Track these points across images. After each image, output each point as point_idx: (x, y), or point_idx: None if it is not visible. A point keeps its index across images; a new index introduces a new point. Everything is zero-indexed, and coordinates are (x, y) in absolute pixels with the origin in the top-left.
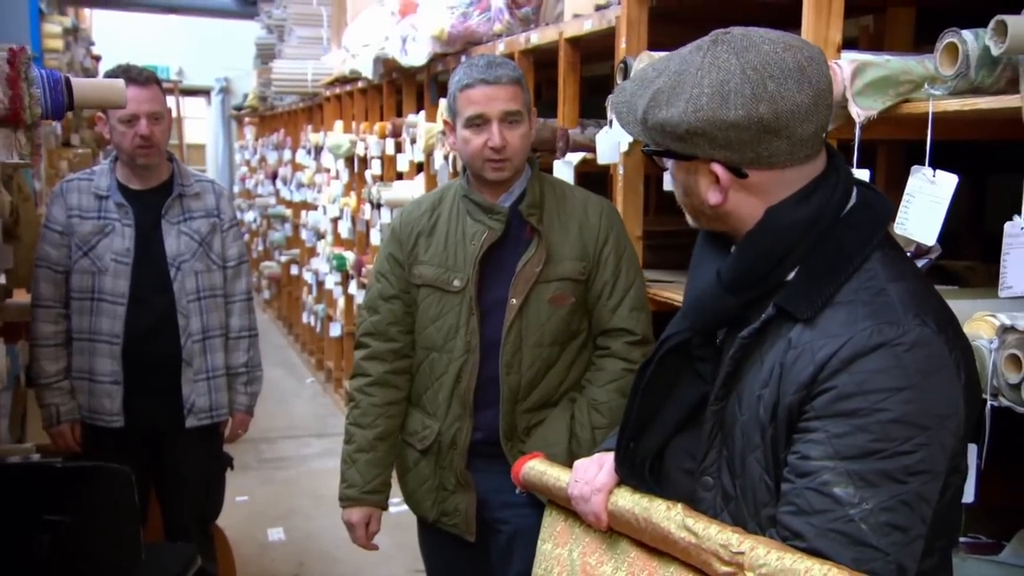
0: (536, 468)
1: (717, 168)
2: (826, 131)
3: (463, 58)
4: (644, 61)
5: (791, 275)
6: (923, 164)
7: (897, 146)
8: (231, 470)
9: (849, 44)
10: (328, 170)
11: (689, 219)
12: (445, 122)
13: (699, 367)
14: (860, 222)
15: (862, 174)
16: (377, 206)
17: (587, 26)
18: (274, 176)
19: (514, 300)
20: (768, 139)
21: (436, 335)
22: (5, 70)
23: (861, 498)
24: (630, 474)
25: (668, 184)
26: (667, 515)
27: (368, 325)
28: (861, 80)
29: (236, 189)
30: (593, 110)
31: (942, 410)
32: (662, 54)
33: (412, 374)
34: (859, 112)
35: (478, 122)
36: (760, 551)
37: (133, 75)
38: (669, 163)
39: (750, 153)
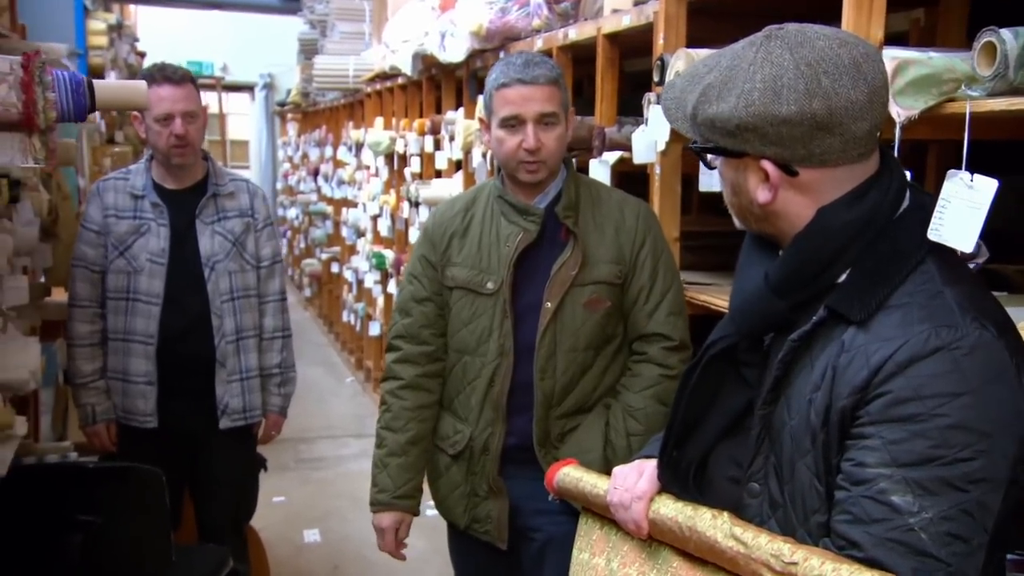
0: (571, 475)
1: (767, 165)
2: (880, 130)
3: (501, 54)
4: (681, 58)
5: (843, 277)
6: (970, 165)
7: (949, 146)
8: (265, 471)
9: (899, 38)
10: (368, 167)
11: (736, 221)
12: (480, 120)
13: (745, 372)
14: (914, 224)
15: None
16: (415, 204)
17: (625, 22)
18: (316, 173)
19: (549, 304)
20: (820, 136)
21: (469, 338)
22: (19, 75)
23: (920, 507)
24: (672, 481)
25: (705, 184)
26: (713, 523)
27: (400, 327)
28: (902, 78)
29: (279, 186)
30: (632, 107)
31: (1003, 416)
32: (700, 51)
33: (444, 378)
34: (899, 112)
35: (513, 123)
36: (814, 561)
37: (168, 73)
38: (717, 161)
39: (801, 150)
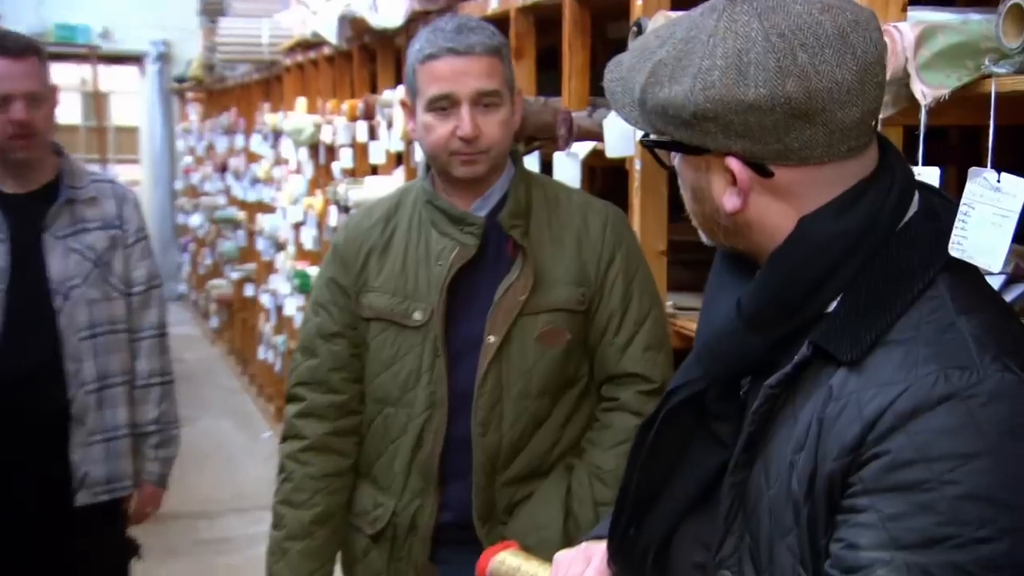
0: (507, 562)
1: (733, 164)
2: (877, 117)
3: (448, 15)
4: (660, 21)
5: (832, 305)
6: (997, 160)
7: (974, 136)
8: (139, 559)
9: None
10: (288, 161)
11: (702, 235)
12: (403, 103)
13: (717, 428)
14: (923, 236)
15: (930, 173)
16: (345, 209)
17: None
18: (224, 169)
19: (492, 338)
20: (799, 126)
21: (391, 384)
22: None
23: None
24: (626, 569)
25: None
26: None
27: (303, 372)
28: (928, 49)
29: (178, 185)
30: None
31: None
32: (680, 15)
33: (361, 436)
34: (924, 91)
35: (443, 104)
36: None
37: (8, 44)
38: (675, 160)
39: (775, 144)
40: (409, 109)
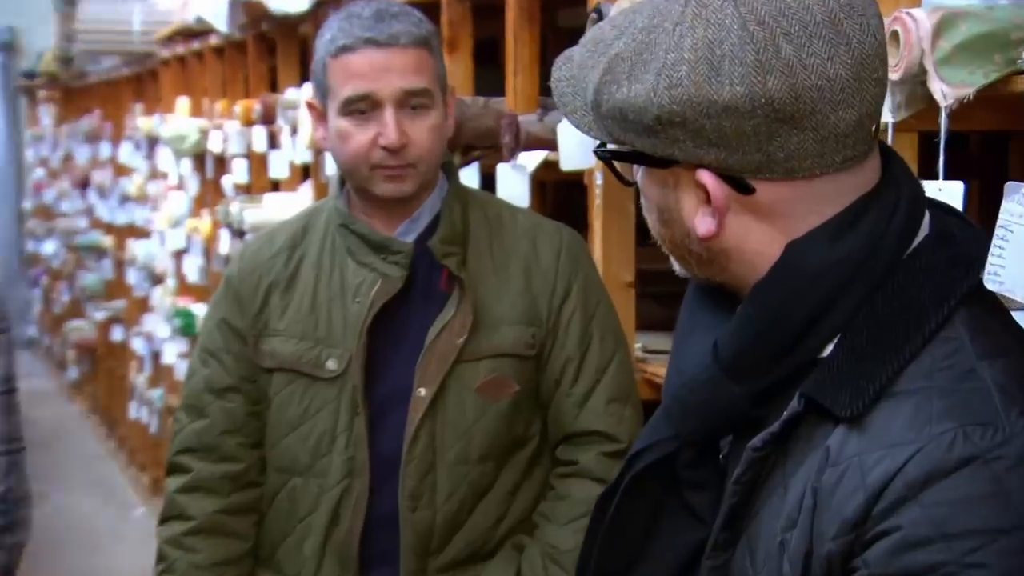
0: None
1: (706, 178)
2: (877, 121)
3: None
4: (624, 6)
5: (828, 349)
6: None
7: (1001, 143)
8: None
9: None
10: (167, 175)
11: (674, 264)
12: (311, 105)
13: (691, 498)
14: (935, 265)
15: (953, 188)
16: (240, 234)
17: None
18: (85, 184)
19: (423, 390)
20: (783, 131)
21: (300, 449)
22: None
23: None
24: None
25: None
26: None
27: (189, 436)
28: (949, 40)
29: (27, 204)
30: None
31: None
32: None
33: (261, 513)
34: (945, 90)
35: (362, 107)
36: None
37: None
38: (638, 174)
39: (756, 154)
40: (319, 113)
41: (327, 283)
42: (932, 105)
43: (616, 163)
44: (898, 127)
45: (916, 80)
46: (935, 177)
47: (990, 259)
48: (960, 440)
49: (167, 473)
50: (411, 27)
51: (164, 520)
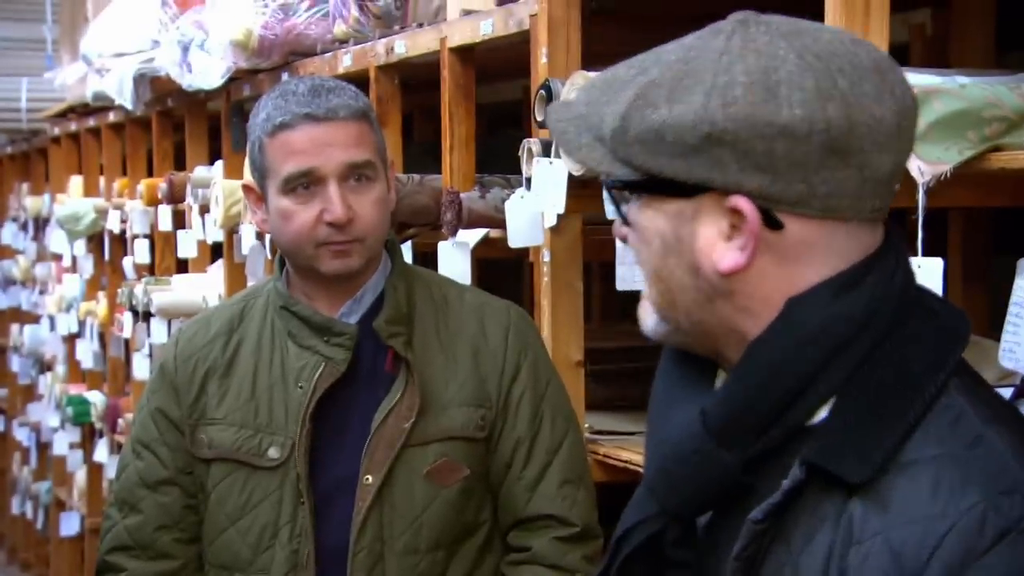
0: None
1: (743, 204)
2: (900, 180)
3: (283, 77)
4: (579, 84)
5: (820, 415)
6: None
7: (980, 220)
8: None
9: (895, 55)
10: (60, 257)
11: (649, 319)
12: (247, 188)
13: None
14: (924, 335)
15: (932, 265)
16: (145, 316)
17: (485, 30)
18: None
19: (370, 477)
20: (832, 163)
21: (240, 544)
22: None
23: None
24: None
25: (626, 280)
26: None
27: (121, 533)
28: (924, 118)
29: None
30: (498, 159)
31: None
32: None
33: None
34: (922, 167)
35: (305, 183)
36: None
37: None
38: (635, 210)
39: (800, 184)
40: (256, 195)
41: (267, 368)
42: (906, 182)
43: (616, 196)
44: None
45: None
46: (914, 253)
47: (1004, 337)
48: (992, 514)
49: (97, 574)
50: (349, 100)
51: None
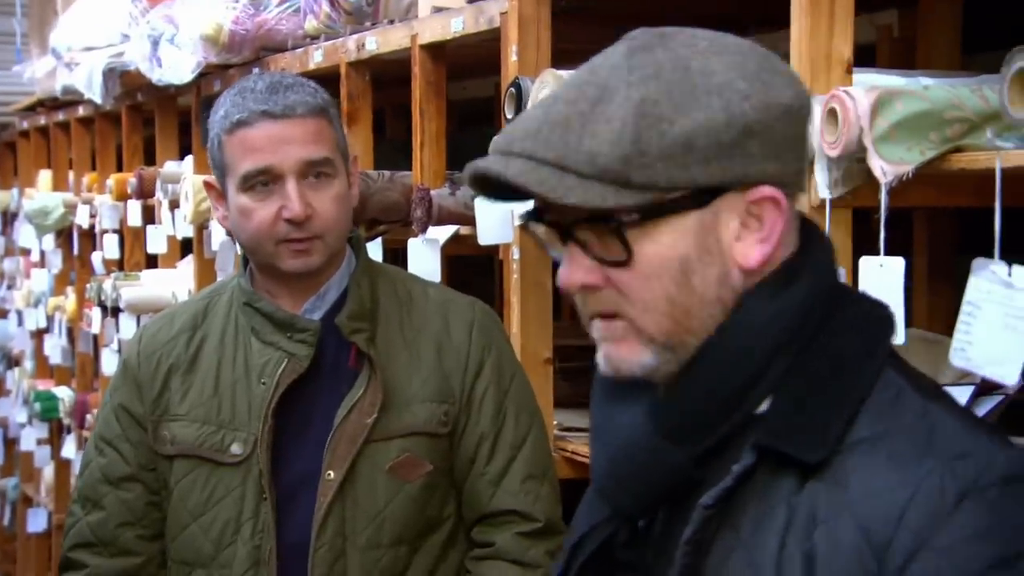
0: None
1: (770, 192)
2: None
3: (254, 71)
4: (549, 83)
5: (765, 403)
6: (990, 250)
7: (944, 218)
8: None
9: (862, 56)
10: (28, 251)
11: (643, 356)
12: (208, 185)
13: None
14: (859, 321)
15: (894, 264)
16: (114, 312)
17: (456, 27)
18: None
19: (332, 473)
20: (804, 139)
21: (202, 540)
22: None
23: None
24: None
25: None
26: None
27: (83, 529)
28: (886, 119)
29: None
30: (468, 156)
31: None
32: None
33: None
34: (884, 167)
35: (264, 180)
36: None
37: None
38: (645, 242)
39: (798, 163)
40: (217, 192)
41: (231, 364)
42: (869, 182)
43: (629, 233)
44: (835, 203)
45: (853, 157)
46: (877, 252)
47: (956, 336)
48: (948, 477)
49: (60, 570)
50: (307, 97)
51: None
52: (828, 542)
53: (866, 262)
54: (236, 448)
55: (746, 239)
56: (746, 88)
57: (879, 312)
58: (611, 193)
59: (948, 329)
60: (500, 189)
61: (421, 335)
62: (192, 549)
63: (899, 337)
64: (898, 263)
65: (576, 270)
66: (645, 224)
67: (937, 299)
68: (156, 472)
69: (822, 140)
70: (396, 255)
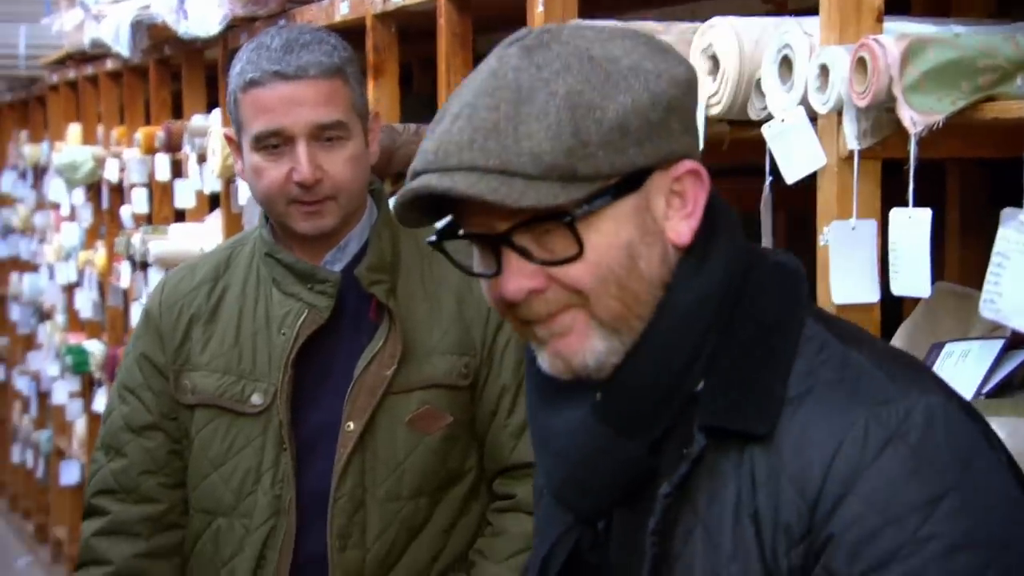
0: None
1: (693, 166)
2: None
3: (281, 23)
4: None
5: (700, 385)
6: (1019, 200)
7: (977, 170)
8: None
9: (893, 3)
10: (58, 205)
11: (597, 344)
12: (228, 138)
13: None
14: (774, 278)
15: (922, 216)
16: (143, 266)
17: None
18: None
19: (351, 424)
20: (695, 116)
21: (223, 489)
22: None
23: None
24: None
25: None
26: None
27: (106, 477)
28: (917, 67)
29: None
30: None
31: (1006, 507)
32: (602, 23)
33: (184, 557)
34: (914, 117)
35: (275, 142)
36: None
37: None
38: (592, 233)
39: (695, 137)
40: (235, 145)
41: (251, 315)
42: (898, 132)
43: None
44: (864, 154)
45: (882, 107)
46: (904, 204)
47: (986, 287)
48: (873, 425)
49: (84, 516)
50: (321, 57)
51: (80, 566)
52: (768, 502)
53: (895, 214)
54: (256, 398)
55: (672, 217)
56: (653, 68)
57: (789, 266)
58: (560, 189)
59: (980, 283)
60: (426, 212)
61: (442, 287)
62: (213, 498)
63: (925, 290)
64: (926, 214)
65: (519, 277)
66: (590, 216)
67: (969, 252)
68: (177, 421)
69: (851, 90)
70: None
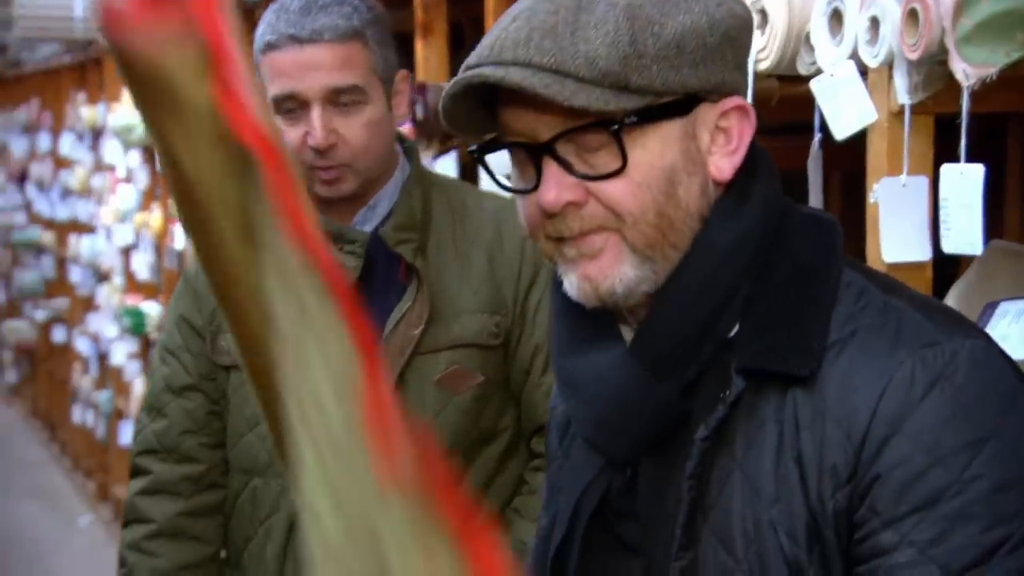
0: None
1: (740, 101)
2: None
3: None
4: None
5: (734, 330)
6: None
7: None
8: None
9: None
10: (114, 168)
11: (627, 270)
12: None
13: (622, 530)
14: (809, 226)
15: (974, 171)
16: None
17: None
18: (23, 178)
19: None
20: (747, 58)
21: (259, 448)
22: None
23: None
24: None
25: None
26: None
27: (148, 437)
28: (971, 18)
29: None
30: None
31: None
32: None
33: (226, 515)
34: (967, 70)
35: (290, 106)
36: None
37: None
38: (637, 148)
39: (746, 78)
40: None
41: None
42: (950, 86)
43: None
44: (915, 109)
45: (935, 60)
46: (956, 160)
47: None
48: (919, 366)
49: (130, 476)
50: (339, 20)
51: (126, 524)
52: (812, 445)
53: (947, 170)
54: None
55: (716, 152)
56: None
57: (825, 217)
58: (611, 96)
59: None
60: (472, 113)
61: (473, 245)
62: (249, 457)
63: (977, 248)
64: (978, 170)
65: (559, 188)
66: (635, 131)
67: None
68: (216, 382)
69: (902, 42)
70: (470, 171)
